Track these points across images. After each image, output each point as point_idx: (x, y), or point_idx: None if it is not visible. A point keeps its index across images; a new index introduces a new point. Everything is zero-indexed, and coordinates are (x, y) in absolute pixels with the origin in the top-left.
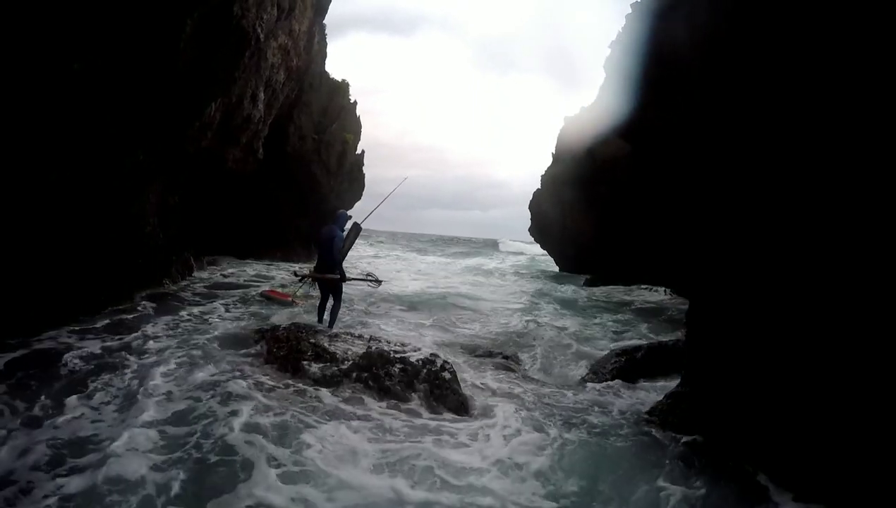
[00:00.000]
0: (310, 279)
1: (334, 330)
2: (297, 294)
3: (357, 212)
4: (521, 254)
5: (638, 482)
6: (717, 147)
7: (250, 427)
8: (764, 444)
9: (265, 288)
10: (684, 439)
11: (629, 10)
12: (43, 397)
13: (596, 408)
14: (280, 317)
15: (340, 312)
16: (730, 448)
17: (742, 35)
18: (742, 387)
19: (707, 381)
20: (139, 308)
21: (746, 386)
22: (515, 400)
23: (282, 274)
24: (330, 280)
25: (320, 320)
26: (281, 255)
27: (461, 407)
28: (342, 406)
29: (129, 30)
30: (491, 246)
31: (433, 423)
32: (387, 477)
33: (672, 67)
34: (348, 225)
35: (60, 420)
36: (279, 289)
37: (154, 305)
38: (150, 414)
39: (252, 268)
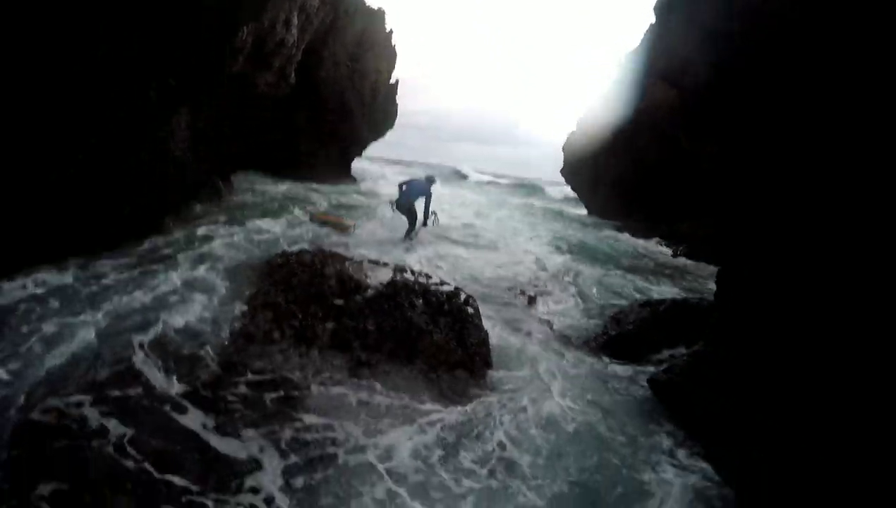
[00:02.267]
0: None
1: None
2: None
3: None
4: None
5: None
6: (783, 108)
7: None
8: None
9: (307, 209)
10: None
11: None
12: None
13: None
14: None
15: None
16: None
17: None
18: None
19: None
20: (171, 235)
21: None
22: (535, 349)
23: (317, 197)
24: (412, 210)
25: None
26: (312, 179)
27: (482, 343)
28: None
29: None
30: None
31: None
32: None
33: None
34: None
35: None
36: (332, 215)
37: (185, 232)
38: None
39: (282, 188)
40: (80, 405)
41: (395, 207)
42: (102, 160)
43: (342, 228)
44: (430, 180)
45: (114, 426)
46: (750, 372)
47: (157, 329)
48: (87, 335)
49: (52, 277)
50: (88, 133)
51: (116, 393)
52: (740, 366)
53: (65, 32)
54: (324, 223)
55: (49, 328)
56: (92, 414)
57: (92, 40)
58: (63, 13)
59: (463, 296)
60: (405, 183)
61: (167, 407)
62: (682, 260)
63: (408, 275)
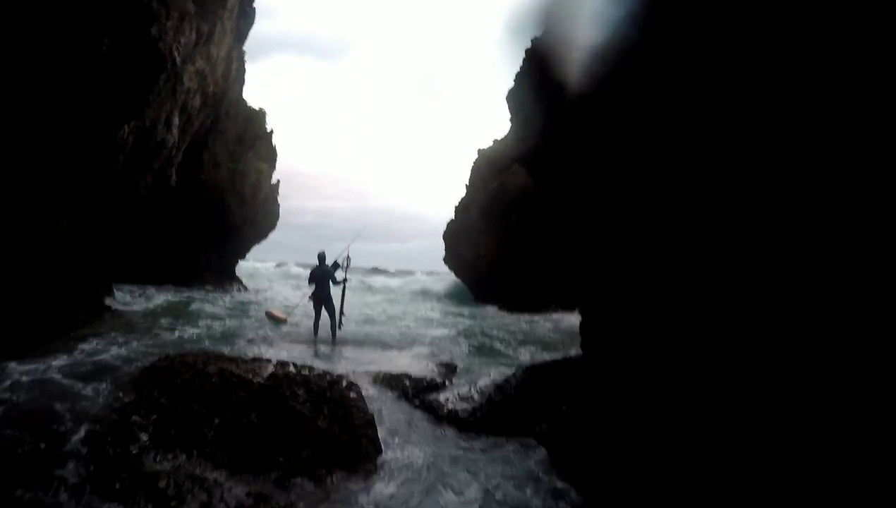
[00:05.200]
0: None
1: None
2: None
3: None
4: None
5: None
6: (597, 170)
7: None
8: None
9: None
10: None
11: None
12: None
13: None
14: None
15: None
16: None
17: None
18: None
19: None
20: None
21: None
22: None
23: (208, 303)
24: (328, 300)
25: (316, 334)
26: (194, 284)
27: (368, 425)
28: None
29: (45, 42)
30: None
31: None
32: None
33: (562, 103)
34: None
35: None
36: (276, 311)
37: (63, 344)
38: None
39: (170, 296)
40: None
41: (313, 301)
42: None
43: (281, 320)
44: (321, 258)
45: None
46: (617, 409)
47: None
48: None
49: None
50: None
51: None
52: (610, 405)
53: None
54: (271, 318)
55: None
56: None
57: None
58: None
59: (345, 383)
60: (311, 275)
61: None
62: (568, 329)
63: (290, 369)
